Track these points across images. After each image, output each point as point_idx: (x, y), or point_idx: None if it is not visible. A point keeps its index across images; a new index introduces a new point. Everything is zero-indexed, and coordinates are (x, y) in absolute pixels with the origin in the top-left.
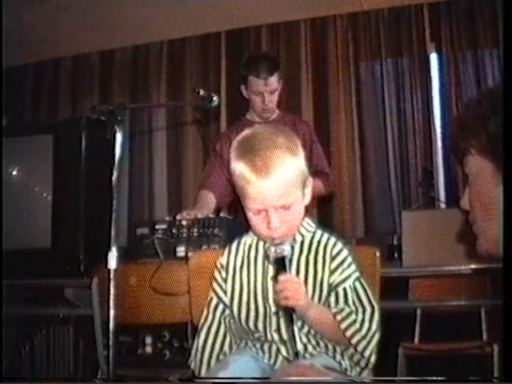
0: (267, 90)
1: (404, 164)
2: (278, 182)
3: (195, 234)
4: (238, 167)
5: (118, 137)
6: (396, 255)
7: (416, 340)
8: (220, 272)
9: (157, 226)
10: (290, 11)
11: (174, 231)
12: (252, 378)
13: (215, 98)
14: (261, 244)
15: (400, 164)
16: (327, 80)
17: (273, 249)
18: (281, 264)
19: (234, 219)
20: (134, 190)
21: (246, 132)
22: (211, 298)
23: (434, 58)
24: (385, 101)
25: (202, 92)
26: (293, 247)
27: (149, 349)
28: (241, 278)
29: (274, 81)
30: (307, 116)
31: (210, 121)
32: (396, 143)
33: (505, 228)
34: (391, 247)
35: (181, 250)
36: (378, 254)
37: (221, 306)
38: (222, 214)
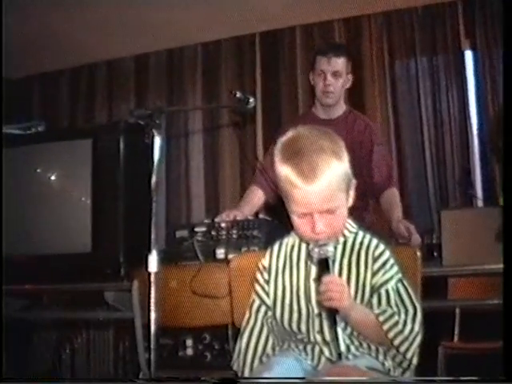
0: (329, 69)
1: (441, 162)
2: (323, 186)
3: (234, 236)
4: (284, 171)
5: (157, 140)
6: (435, 254)
7: (455, 339)
8: (262, 274)
9: (196, 229)
10: (323, 11)
11: (213, 233)
12: (258, 378)
13: (252, 100)
14: (303, 245)
15: (437, 162)
16: (362, 79)
17: (316, 250)
18: (324, 265)
19: (274, 220)
20: (171, 193)
21: (291, 134)
22: (253, 300)
23: (468, 55)
24: (420, 99)
25: (238, 94)
26: (335, 248)
27: (190, 351)
28: (283, 279)
29: (338, 62)
30: None
31: (246, 123)
32: (432, 141)
33: (505, 228)
34: (430, 246)
35: (220, 253)
36: (418, 254)
37: (263, 308)
38: (261, 216)
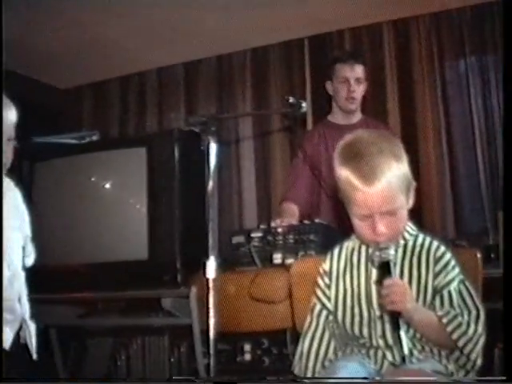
0: (353, 75)
1: (493, 162)
2: (384, 188)
3: (291, 241)
4: (344, 173)
5: (212, 147)
6: (493, 255)
7: None
8: (323, 278)
9: (252, 234)
10: (371, 14)
11: (269, 238)
12: (261, 379)
13: (304, 105)
14: (363, 248)
15: (489, 162)
16: (412, 81)
17: (378, 253)
18: (386, 268)
19: (330, 224)
20: (223, 200)
21: (350, 137)
22: (314, 304)
23: None
24: (471, 99)
25: (291, 99)
26: (396, 251)
27: (248, 356)
28: (344, 283)
29: (360, 69)
30: (393, 118)
31: (298, 127)
32: (484, 141)
33: (505, 229)
34: (487, 248)
35: (277, 258)
36: (478, 256)
37: (324, 312)
38: (317, 220)
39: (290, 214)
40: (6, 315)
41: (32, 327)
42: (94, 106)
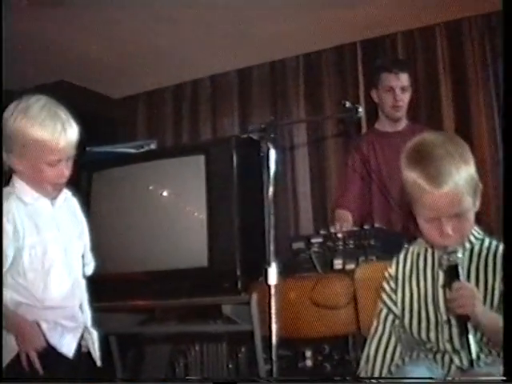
0: (398, 84)
1: None
2: (452, 190)
3: (351, 246)
4: (412, 176)
5: (272, 154)
6: None
7: None
8: (389, 282)
9: (312, 240)
10: (424, 16)
11: (329, 244)
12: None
13: (360, 109)
14: (429, 252)
15: None
16: (466, 83)
17: (445, 257)
18: (454, 272)
19: (390, 229)
20: (279, 206)
21: (416, 140)
22: (381, 309)
23: None
24: None
25: (347, 104)
26: (463, 254)
27: (309, 362)
28: (410, 287)
29: (405, 78)
30: (448, 122)
31: (353, 132)
32: None
33: (505, 228)
34: None
35: (338, 263)
36: None
37: (391, 317)
38: (377, 225)
39: (344, 221)
40: (67, 322)
41: (94, 334)
42: (148, 114)
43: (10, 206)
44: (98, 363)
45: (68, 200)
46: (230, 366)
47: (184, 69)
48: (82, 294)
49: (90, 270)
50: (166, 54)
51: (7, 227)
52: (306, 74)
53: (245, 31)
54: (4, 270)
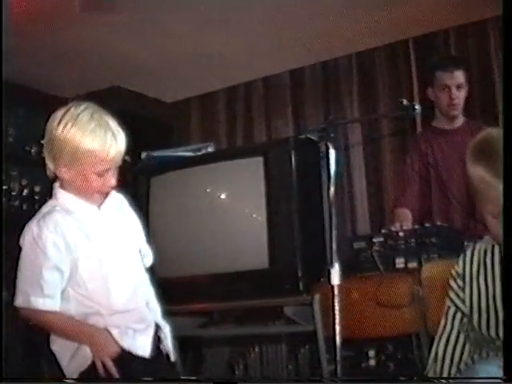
0: (454, 83)
1: None
2: None
3: (413, 245)
4: (478, 171)
5: (332, 153)
6: None
7: None
8: (456, 280)
9: (374, 239)
10: (476, 10)
11: (391, 243)
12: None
13: (417, 107)
14: (496, 248)
15: None
16: None
17: None
18: None
19: (451, 226)
20: (335, 206)
21: (483, 135)
22: (448, 307)
23: None
24: None
25: (405, 102)
26: None
27: (372, 362)
28: (478, 284)
29: (460, 75)
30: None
31: (406, 130)
32: None
33: (505, 227)
34: None
35: (400, 262)
36: None
37: (459, 315)
38: (438, 223)
39: (405, 219)
40: (136, 325)
41: (167, 329)
42: (201, 118)
43: (55, 218)
44: (172, 358)
45: (114, 199)
46: (290, 366)
47: (236, 71)
48: (147, 292)
49: (148, 262)
50: (218, 56)
51: (58, 241)
52: (358, 73)
53: (296, 31)
54: (63, 285)
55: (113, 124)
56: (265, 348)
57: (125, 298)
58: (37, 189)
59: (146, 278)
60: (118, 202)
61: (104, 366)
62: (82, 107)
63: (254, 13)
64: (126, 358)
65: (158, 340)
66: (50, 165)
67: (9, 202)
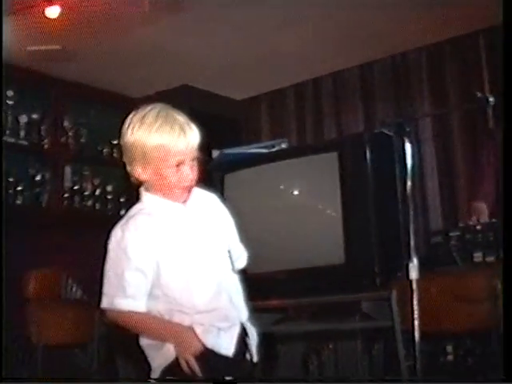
0: None
1: None
2: None
3: (491, 239)
4: None
5: (408, 148)
6: None
7: None
8: None
9: (451, 234)
10: None
11: (468, 237)
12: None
13: (491, 99)
14: None
15: None
16: None
17: None
18: None
19: None
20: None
21: None
22: None
23: None
24: None
25: (479, 94)
26: None
27: (450, 357)
28: None
29: None
30: None
31: (478, 123)
32: None
33: (505, 226)
34: None
35: (478, 256)
36: None
37: None
38: None
39: (482, 213)
40: (220, 323)
41: (252, 329)
42: (270, 114)
43: (137, 221)
44: (255, 359)
45: (199, 196)
46: (365, 363)
47: (305, 67)
48: (234, 291)
49: (241, 263)
50: (286, 53)
51: (139, 244)
52: (428, 67)
53: (364, 26)
54: (147, 285)
55: (181, 118)
56: (339, 344)
57: (207, 298)
58: (109, 188)
59: (233, 279)
60: (206, 200)
61: (187, 363)
62: (149, 108)
63: (321, 8)
64: (208, 356)
65: (242, 340)
66: (128, 169)
67: (82, 202)
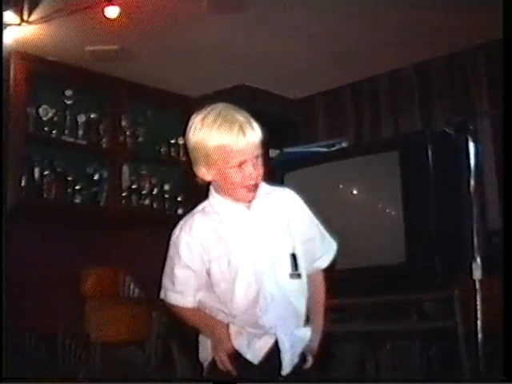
0: None
1: None
2: None
3: None
4: None
5: (471, 146)
6: None
7: None
8: None
9: None
10: None
11: None
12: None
13: None
14: None
15: None
16: None
17: None
18: None
19: None
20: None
21: None
22: None
23: None
24: None
25: None
26: None
27: None
28: None
29: None
30: None
31: None
32: None
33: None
34: None
35: None
36: None
37: None
38: None
39: None
40: (253, 329)
41: (287, 343)
42: (327, 114)
43: (193, 220)
44: (284, 372)
45: (271, 196)
46: (423, 363)
47: (361, 66)
48: (278, 298)
49: (324, 262)
50: (341, 52)
51: (191, 243)
52: (486, 65)
53: (419, 25)
54: (199, 282)
55: (242, 118)
56: (397, 345)
57: (245, 302)
58: (166, 187)
59: (288, 284)
60: (276, 198)
61: (220, 360)
62: (210, 108)
63: (377, 6)
64: (234, 358)
65: (276, 350)
66: (194, 170)
67: (139, 201)
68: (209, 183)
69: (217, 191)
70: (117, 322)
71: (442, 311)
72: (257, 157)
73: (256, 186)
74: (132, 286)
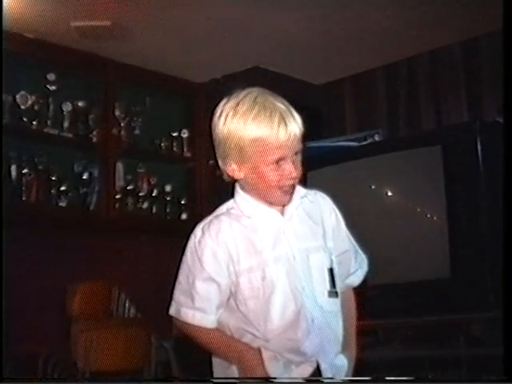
0: None
1: None
2: None
3: None
4: None
5: None
6: None
7: None
8: None
9: None
10: None
11: None
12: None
13: None
14: None
15: None
16: None
17: None
18: None
19: None
20: None
21: None
22: None
23: None
24: None
25: None
26: None
27: None
28: None
29: None
30: None
31: None
32: None
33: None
34: None
35: None
36: None
37: None
38: None
39: None
40: (291, 356)
41: (327, 370)
42: (356, 101)
43: (220, 224)
44: None
45: (308, 201)
46: None
47: (397, 45)
48: (319, 320)
49: (356, 279)
50: (375, 30)
51: (217, 251)
52: None
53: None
54: (222, 298)
55: (282, 105)
56: (440, 374)
57: (283, 325)
58: (168, 188)
59: (328, 304)
60: (313, 204)
61: None
62: (243, 93)
63: None
64: None
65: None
66: (221, 166)
67: (136, 205)
68: (234, 182)
69: (246, 191)
70: (109, 348)
71: (494, 335)
72: (296, 153)
73: (293, 188)
74: (127, 304)
